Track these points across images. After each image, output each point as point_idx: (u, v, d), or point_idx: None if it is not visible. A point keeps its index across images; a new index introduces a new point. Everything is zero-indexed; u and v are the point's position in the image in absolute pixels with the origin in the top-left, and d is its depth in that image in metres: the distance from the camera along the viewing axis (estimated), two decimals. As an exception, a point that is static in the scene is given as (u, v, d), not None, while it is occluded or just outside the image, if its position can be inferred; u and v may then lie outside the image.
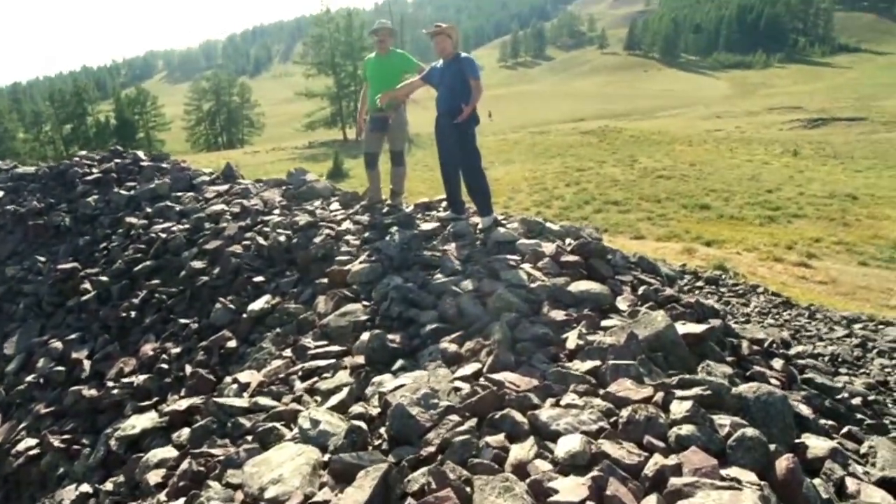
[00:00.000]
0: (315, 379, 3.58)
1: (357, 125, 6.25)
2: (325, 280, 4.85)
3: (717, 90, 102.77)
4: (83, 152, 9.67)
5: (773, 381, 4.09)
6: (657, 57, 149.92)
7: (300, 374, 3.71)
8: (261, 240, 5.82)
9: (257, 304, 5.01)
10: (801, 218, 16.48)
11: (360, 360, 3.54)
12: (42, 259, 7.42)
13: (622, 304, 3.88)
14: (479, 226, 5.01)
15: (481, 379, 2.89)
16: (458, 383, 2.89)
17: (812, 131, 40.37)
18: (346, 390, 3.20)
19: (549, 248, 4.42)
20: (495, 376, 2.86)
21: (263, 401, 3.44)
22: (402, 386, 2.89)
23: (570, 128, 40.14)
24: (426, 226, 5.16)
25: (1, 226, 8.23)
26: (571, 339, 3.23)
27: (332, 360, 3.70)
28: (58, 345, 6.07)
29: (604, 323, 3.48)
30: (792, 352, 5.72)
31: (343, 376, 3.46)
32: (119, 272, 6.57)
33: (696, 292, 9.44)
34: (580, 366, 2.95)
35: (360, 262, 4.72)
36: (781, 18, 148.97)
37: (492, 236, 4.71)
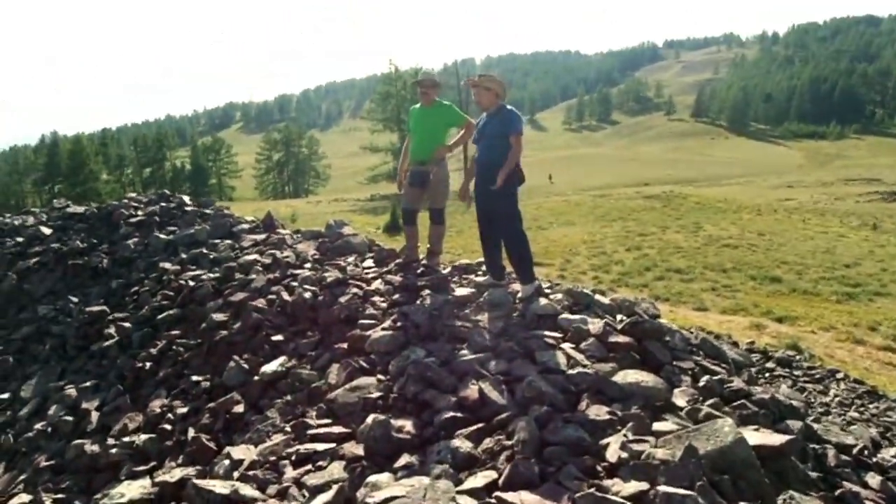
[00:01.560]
0: (308, 467, 3.08)
1: (399, 178, 5.88)
2: (345, 345, 4.39)
3: (788, 159, 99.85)
4: (133, 194, 9.71)
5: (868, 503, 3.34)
6: (725, 125, 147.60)
7: (294, 457, 3.21)
8: (286, 295, 5.45)
9: (271, 367, 4.58)
10: (884, 296, 15.10)
11: (360, 450, 3.02)
12: (75, 300, 7.28)
13: (680, 399, 3.24)
14: (519, 294, 4.48)
15: (493, 497, 2.32)
16: (463, 499, 2.33)
17: (892, 205, 38.20)
18: (334, 489, 2.68)
19: (595, 325, 3.84)
20: (510, 497, 2.28)
21: (245, 490, 2.95)
22: (392, 500, 2.33)
23: (633, 192, 39.27)
24: (461, 291, 4.66)
25: (43, 263, 8.19)
26: (613, 449, 2.61)
27: (332, 445, 3.19)
28: (72, 392, 5.80)
29: (656, 426, 2.85)
30: (886, 456, 4.85)
31: (337, 469, 2.95)
32: (143, 319, 6.33)
33: (767, 375, 8.51)
34: (622, 488, 2.33)
35: (383, 329, 4.25)
36: (857, 89, 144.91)
37: (531, 308, 4.16)
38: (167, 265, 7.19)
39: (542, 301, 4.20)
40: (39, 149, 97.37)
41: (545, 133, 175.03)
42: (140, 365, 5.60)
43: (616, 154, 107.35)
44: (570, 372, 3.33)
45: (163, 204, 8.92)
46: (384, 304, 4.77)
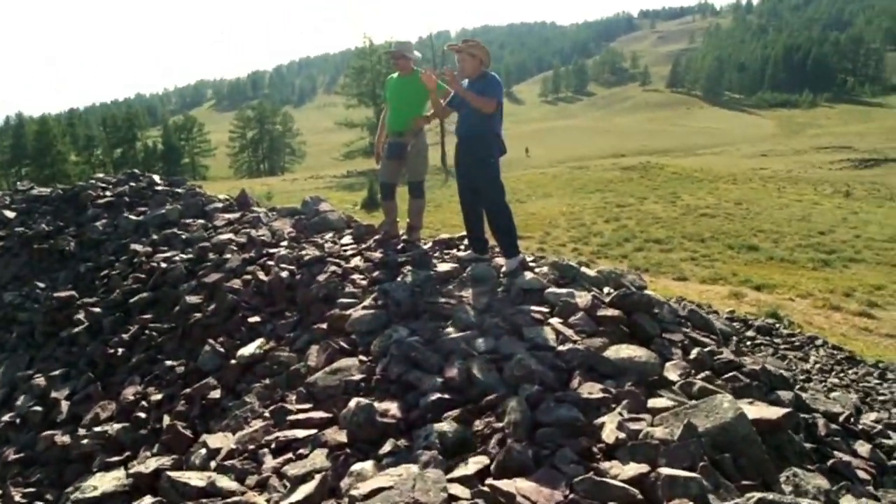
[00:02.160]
0: (288, 455, 2.93)
1: (375, 151, 5.67)
2: (325, 325, 4.23)
3: (762, 129, 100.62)
4: (101, 175, 9.36)
5: (860, 472, 3.30)
6: (700, 95, 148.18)
7: (274, 445, 3.06)
8: (262, 275, 5.25)
9: (248, 350, 4.41)
10: (858, 262, 15.32)
11: (342, 436, 2.88)
12: (42, 285, 7.00)
13: (673, 373, 3.15)
14: (503, 269, 4.34)
15: (486, 486, 2.20)
16: (454, 488, 2.21)
17: (864, 171, 38.70)
18: (317, 479, 2.54)
19: (583, 298, 3.71)
20: (504, 485, 2.16)
21: (222, 482, 2.79)
22: (379, 492, 2.19)
23: (610, 163, 39.31)
24: (443, 267, 4.50)
25: (8, 248, 7.88)
26: (609, 429, 2.50)
27: (313, 431, 3.05)
28: (41, 381, 5.57)
29: (651, 403, 2.74)
30: (867, 421, 4.86)
31: (320, 457, 2.80)
32: (115, 303, 6.08)
33: (748, 344, 8.53)
34: (621, 471, 2.22)
35: (363, 308, 4.08)
36: (829, 58, 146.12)
37: (516, 282, 4.02)
38: (138, 247, 6.92)
39: (528, 275, 4.06)
40: (4, 130, 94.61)
41: (522, 106, 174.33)
42: (112, 351, 5.38)
43: (592, 125, 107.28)
44: (560, 348, 3.21)
45: (132, 184, 8.59)
46: (364, 282, 4.60)
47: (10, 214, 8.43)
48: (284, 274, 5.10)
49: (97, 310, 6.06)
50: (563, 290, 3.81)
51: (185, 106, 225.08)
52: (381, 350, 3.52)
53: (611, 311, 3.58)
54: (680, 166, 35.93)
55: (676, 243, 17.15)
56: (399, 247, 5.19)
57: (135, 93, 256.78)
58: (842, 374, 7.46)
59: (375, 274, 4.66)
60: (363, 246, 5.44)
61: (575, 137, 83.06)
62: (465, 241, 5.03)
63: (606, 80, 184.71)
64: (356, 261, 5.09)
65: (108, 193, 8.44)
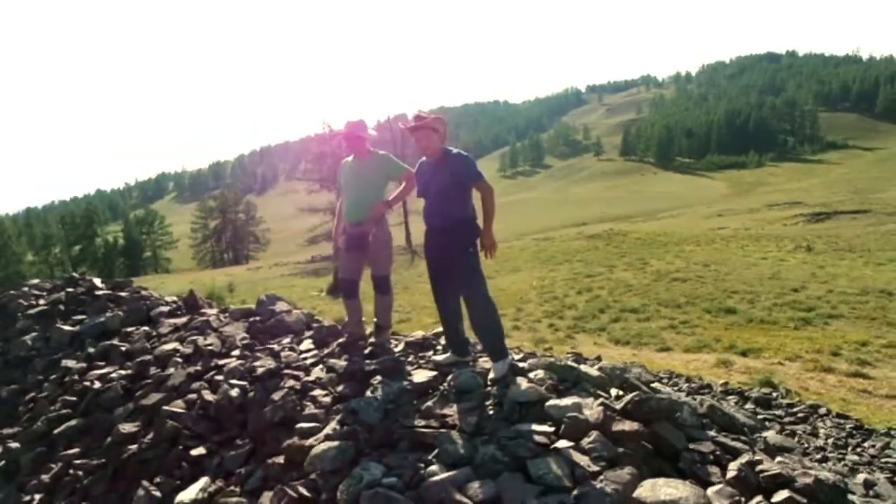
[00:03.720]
0: None
1: (334, 242, 5.07)
2: (281, 459, 3.49)
3: (714, 190, 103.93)
4: (35, 280, 8.54)
5: None
6: (653, 161, 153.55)
7: None
8: (209, 394, 4.50)
9: (188, 494, 3.63)
10: (837, 318, 15.01)
11: None
12: (-43, 416, 6.06)
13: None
14: (491, 375, 3.72)
15: None
16: None
17: (817, 225, 39.56)
18: None
19: (593, 411, 3.09)
20: None
21: None
22: None
23: (574, 233, 39.52)
24: (419, 375, 3.85)
25: (-77, 373, 6.92)
26: None
27: None
28: (-58, 542, 4.63)
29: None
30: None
31: None
32: (37, 434, 5.22)
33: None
34: None
35: (327, 437, 3.38)
36: (768, 121, 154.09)
37: (509, 394, 3.39)
38: (70, 363, 6.12)
39: (523, 384, 3.42)
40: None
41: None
42: (27, 499, 4.50)
43: (552, 197, 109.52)
44: (579, 490, 2.56)
45: (69, 289, 7.81)
46: (327, 399, 3.91)
47: (-73, 334, 7.51)
48: (234, 392, 4.37)
49: (15, 444, 5.18)
50: (568, 402, 3.18)
51: (146, 199, 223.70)
52: (350, 498, 2.81)
53: (628, 425, 2.95)
54: (643, 231, 36.25)
55: (653, 311, 16.72)
56: (367, 351, 4.53)
57: (95, 189, 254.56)
58: (860, 450, 6.86)
59: (340, 388, 3.97)
60: (326, 351, 4.76)
61: (537, 209, 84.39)
62: (443, 340, 4.39)
63: (561, 152, 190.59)
64: (318, 371, 4.39)
65: (41, 302, 7.64)
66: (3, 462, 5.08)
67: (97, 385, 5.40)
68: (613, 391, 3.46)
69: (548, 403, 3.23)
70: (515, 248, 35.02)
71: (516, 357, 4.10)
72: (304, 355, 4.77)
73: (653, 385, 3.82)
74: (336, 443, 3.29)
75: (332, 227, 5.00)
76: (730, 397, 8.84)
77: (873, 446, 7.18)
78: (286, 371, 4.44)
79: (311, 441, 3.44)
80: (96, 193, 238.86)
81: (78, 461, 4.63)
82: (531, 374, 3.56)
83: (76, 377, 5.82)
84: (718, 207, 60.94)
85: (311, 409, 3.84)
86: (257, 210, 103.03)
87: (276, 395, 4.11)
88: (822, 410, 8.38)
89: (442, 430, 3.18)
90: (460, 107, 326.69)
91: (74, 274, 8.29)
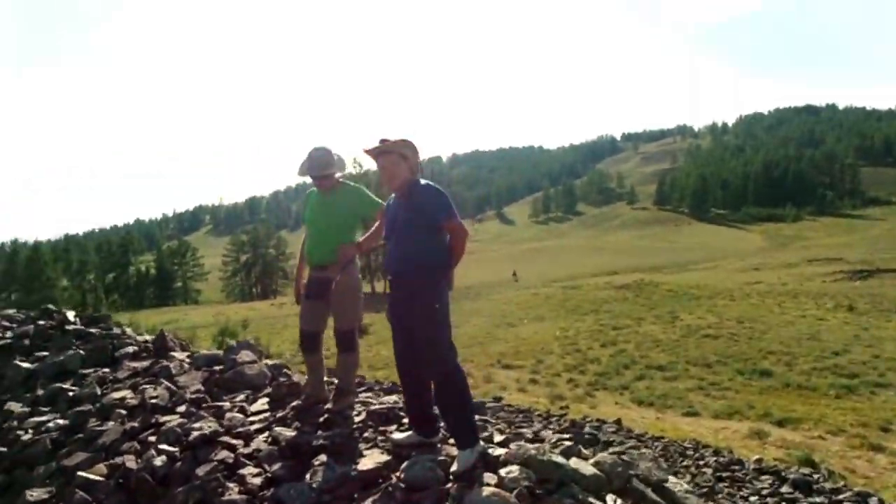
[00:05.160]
0: None
1: (296, 287, 4.40)
2: (183, 560, 2.76)
3: (750, 243, 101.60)
4: (10, 311, 8.03)
5: None
6: (687, 212, 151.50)
7: None
8: (132, 461, 3.80)
9: None
10: (885, 388, 13.74)
11: None
12: None
13: None
14: (454, 468, 2.93)
15: None
16: None
17: (859, 284, 37.74)
18: None
19: (573, 533, 2.30)
20: None
21: None
22: None
23: (603, 282, 38.40)
24: (369, 460, 3.07)
25: None
26: None
27: None
28: None
29: None
30: None
31: None
32: (-45, 493, 4.55)
33: (787, 510, 6.87)
34: None
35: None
36: (807, 174, 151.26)
37: (469, 500, 2.58)
38: (14, 406, 5.49)
39: (486, 490, 2.62)
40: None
41: (513, 226, 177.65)
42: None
43: (583, 244, 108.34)
44: None
45: (41, 322, 7.26)
46: (257, 481, 3.17)
47: None
48: (159, 461, 3.67)
49: (-72, 503, 4.51)
50: (543, 519, 2.40)
51: (182, 231, 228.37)
52: None
53: (618, 559, 2.16)
54: (675, 283, 34.98)
55: (681, 370, 15.67)
56: (322, 418, 3.78)
57: (134, 218, 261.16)
58: (919, 556, 5.82)
59: (275, 468, 3.23)
60: (278, 415, 4.03)
61: (566, 256, 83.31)
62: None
63: (595, 199, 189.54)
64: (259, 441, 3.66)
65: (8, 335, 7.08)
66: (-85, 523, 4.42)
67: (27, 436, 4.74)
68: (610, 499, 2.66)
69: (516, 519, 2.44)
70: (541, 296, 34.10)
71: (495, 439, 3.31)
72: (251, 418, 4.05)
73: (666, 486, 2.99)
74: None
75: (296, 268, 4.30)
76: (764, 477, 7.84)
77: (937, 551, 6.12)
78: (223, 438, 3.72)
79: (218, 542, 2.71)
80: (135, 223, 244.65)
81: (-18, 531, 3.94)
82: (503, 471, 2.76)
83: (14, 423, 5.18)
84: (754, 261, 59.05)
85: (232, 493, 3.10)
86: (288, 246, 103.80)
87: (202, 470, 3.39)
88: (874, 502, 7.28)
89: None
90: (495, 150, 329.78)
91: (50, 306, 7.76)
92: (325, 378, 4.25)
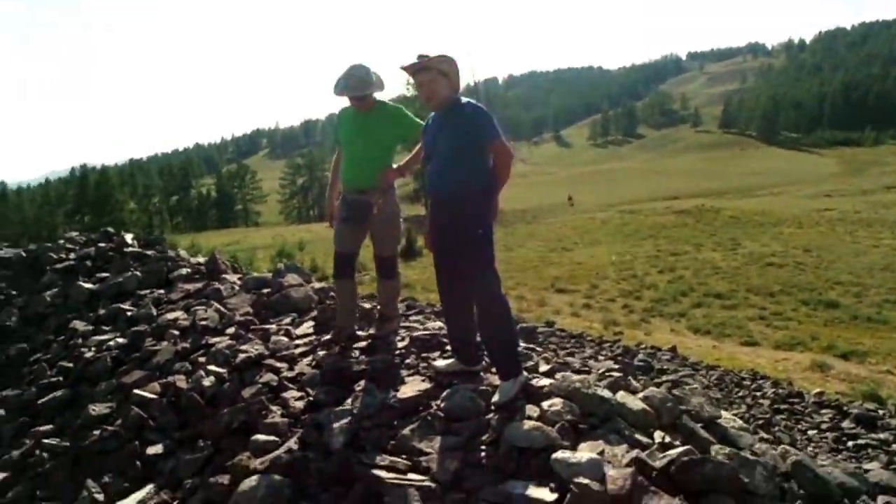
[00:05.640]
0: None
1: (328, 209, 4.22)
2: (227, 479, 2.80)
3: (823, 168, 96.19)
4: (73, 234, 8.30)
5: None
6: (755, 135, 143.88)
7: None
8: (182, 381, 3.88)
9: (125, 505, 3.01)
10: (964, 324, 13.01)
11: None
12: (-33, 371, 5.81)
13: None
14: (495, 398, 2.85)
15: None
16: None
17: (943, 212, 35.41)
18: None
19: (618, 472, 2.17)
20: None
21: None
22: None
23: (662, 207, 37.25)
24: (409, 388, 3.01)
25: (-49, 322, 6.77)
26: None
27: None
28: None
29: None
30: None
31: None
32: (24, 403, 4.81)
33: (849, 444, 6.65)
34: None
35: (272, 463, 2.63)
36: (893, 95, 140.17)
37: (507, 433, 2.52)
38: (79, 325, 5.71)
39: (527, 423, 2.53)
40: (70, 181, 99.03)
41: (570, 149, 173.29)
42: (-8, 478, 4.06)
43: (643, 167, 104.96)
44: None
45: (101, 245, 7.48)
46: (299, 404, 3.17)
47: (-35, 280, 7.38)
48: (208, 382, 3.72)
49: (1, 412, 4.79)
50: (583, 456, 2.25)
51: (240, 154, 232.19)
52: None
53: (666, 500, 2.03)
54: (738, 209, 33.61)
55: (741, 298, 15.17)
56: (365, 344, 3.74)
57: (193, 142, 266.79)
58: None
59: (317, 392, 3.21)
60: (323, 339, 4.01)
61: (625, 180, 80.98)
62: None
63: (656, 121, 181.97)
64: (303, 365, 3.66)
65: (71, 256, 7.33)
66: (-12, 430, 4.71)
67: (90, 353, 4.93)
68: (658, 435, 2.52)
69: (554, 456, 2.33)
70: (597, 220, 33.43)
71: (540, 369, 3.19)
72: (296, 341, 4.05)
73: (718, 423, 2.83)
74: (267, 485, 2.52)
75: (328, 189, 4.13)
76: (824, 411, 7.58)
77: None
78: (269, 361, 3.73)
79: (257, 463, 2.72)
80: (194, 147, 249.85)
81: (47, 440, 4.15)
82: (545, 404, 2.64)
83: (80, 341, 5.40)
84: (826, 187, 55.96)
85: (275, 415, 3.11)
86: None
87: (247, 392, 3.42)
88: (943, 439, 6.96)
89: (406, 479, 2.36)
90: (552, 71, 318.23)
91: (110, 229, 7.97)
92: (358, 305, 4.16)
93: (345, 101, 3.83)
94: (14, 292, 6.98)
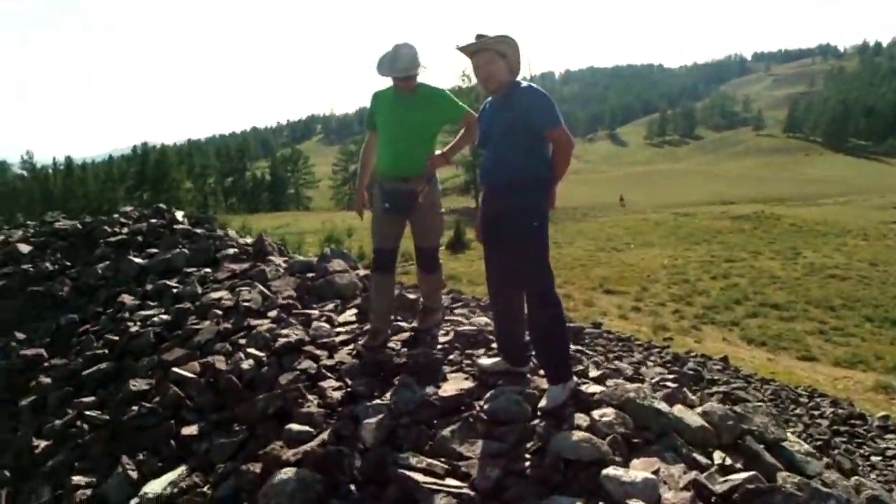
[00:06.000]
0: None
1: (358, 199, 3.99)
2: (258, 469, 2.71)
3: (893, 178, 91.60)
4: (128, 208, 8.45)
5: None
6: (820, 141, 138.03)
7: None
8: (221, 362, 3.82)
9: (155, 485, 2.98)
10: None
11: None
12: (21, 337, 5.96)
13: None
14: (542, 403, 2.67)
15: None
16: None
17: None
18: None
19: (674, 496, 1.98)
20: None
21: None
22: None
23: (719, 211, 36.07)
24: (451, 385, 2.86)
25: (9, 288, 6.96)
26: None
27: None
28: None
29: None
30: None
31: None
32: (70, 373, 4.88)
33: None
34: None
35: (305, 455, 2.52)
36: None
37: (554, 442, 2.35)
38: (127, 299, 5.78)
39: (576, 434, 2.35)
40: (132, 158, 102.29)
41: (625, 148, 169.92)
42: (34, 444, 4.11)
43: (700, 170, 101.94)
44: None
45: (153, 220, 7.58)
46: (337, 395, 3.06)
47: (24, 249, 7.59)
48: (246, 365, 3.66)
49: (48, 380, 4.87)
50: (637, 475, 2.07)
51: (295, 139, 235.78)
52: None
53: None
54: (799, 217, 32.26)
55: (800, 310, 14.52)
56: (408, 336, 3.60)
57: (251, 126, 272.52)
58: None
59: (355, 383, 3.10)
60: (365, 328, 3.90)
61: (681, 182, 78.80)
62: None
63: (716, 123, 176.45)
64: (343, 353, 3.55)
65: (124, 231, 7.45)
66: (35, 397, 4.79)
67: (135, 328, 4.95)
68: (718, 456, 2.31)
69: (605, 472, 2.14)
70: (651, 222, 32.62)
71: (590, 374, 2.99)
72: (338, 329, 3.95)
73: (783, 446, 2.59)
74: (297, 479, 2.40)
75: (359, 177, 3.91)
76: (889, 437, 7.13)
77: None
78: (308, 347, 3.64)
79: (290, 454, 2.61)
80: (251, 130, 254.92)
81: (89, 412, 4.17)
82: (596, 413, 2.45)
83: (127, 315, 5.44)
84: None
85: (312, 405, 3.00)
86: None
87: (285, 378, 3.33)
88: None
89: (443, 484, 2.22)
90: (611, 68, 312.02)
91: (162, 205, 8.08)
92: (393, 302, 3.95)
93: (387, 82, 3.65)
94: (68, 263, 7.14)
